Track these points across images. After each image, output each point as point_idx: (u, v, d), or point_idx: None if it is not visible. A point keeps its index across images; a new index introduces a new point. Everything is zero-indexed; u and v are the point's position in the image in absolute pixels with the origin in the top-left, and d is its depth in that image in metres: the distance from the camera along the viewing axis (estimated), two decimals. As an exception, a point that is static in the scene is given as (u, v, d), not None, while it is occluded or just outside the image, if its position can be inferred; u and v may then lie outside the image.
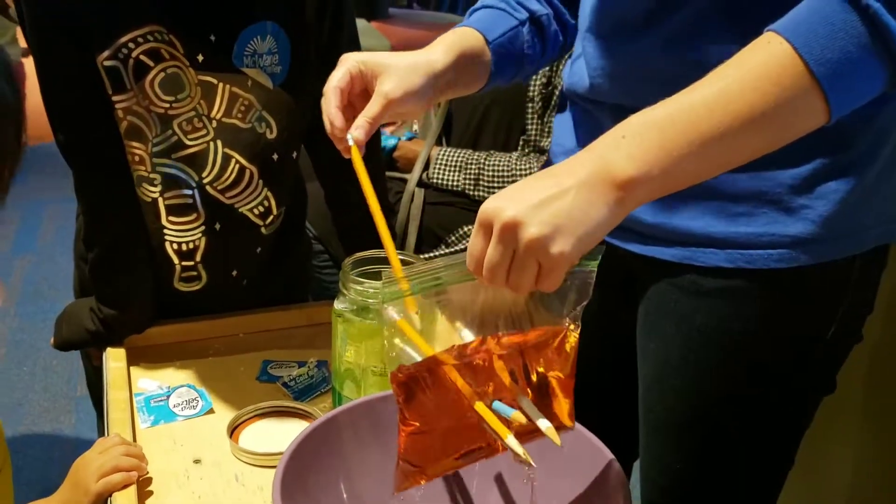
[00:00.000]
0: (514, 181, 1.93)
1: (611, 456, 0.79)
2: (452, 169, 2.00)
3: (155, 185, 1.14)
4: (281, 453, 0.78)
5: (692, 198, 0.84)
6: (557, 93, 1.92)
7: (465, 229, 1.98)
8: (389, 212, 1.38)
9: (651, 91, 0.83)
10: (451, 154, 2.02)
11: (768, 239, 0.82)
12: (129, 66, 1.07)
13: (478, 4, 1.02)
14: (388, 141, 2.12)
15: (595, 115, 0.93)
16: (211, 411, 1.10)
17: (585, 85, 0.92)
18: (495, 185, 1.96)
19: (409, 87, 0.87)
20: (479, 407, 0.72)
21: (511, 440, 0.71)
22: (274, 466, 0.78)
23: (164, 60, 1.08)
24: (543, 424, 0.72)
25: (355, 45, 1.23)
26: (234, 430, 1.04)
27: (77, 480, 0.92)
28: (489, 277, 0.71)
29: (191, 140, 1.13)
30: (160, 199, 1.15)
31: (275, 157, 1.18)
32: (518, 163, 1.95)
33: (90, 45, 1.05)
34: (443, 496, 0.88)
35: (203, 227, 1.17)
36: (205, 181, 1.15)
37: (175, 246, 1.18)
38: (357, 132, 0.86)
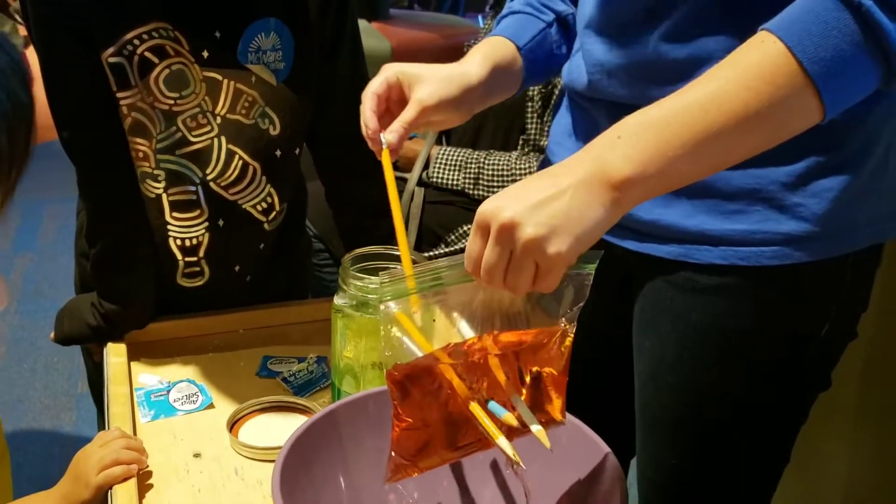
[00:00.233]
0: (513, 180, 1.94)
1: (607, 449, 0.79)
2: (452, 168, 2.01)
3: (159, 182, 1.14)
4: (280, 447, 0.78)
5: (686, 195, 0.84)
6: (557, 92, 1.92)
7: (465, 228, 1.98)
8: (389, 210, 1.39)
9: (648, 87, 0.83)
10: (451, 153, 2.03)
11: (762, 236, 0.83)
12: (134, 63, 1.07)
13: (504, 11, 1.04)
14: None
15: (591, 113, 0.94)
16: (211, 406, 1.10)
17: (583, 81, 0.93)
18: (495, 184, 1.97)
19: (443, 95, 0.89)
20: (474, 408, 0.73)
21: (502, 441, 0.72)
22: (273, 460, 0.78)
23: (169, 57, 1.08)
24: (535, 428, 0.73)
25: (357, 42, 1.23)
26: (233, 425, 1.05)
27: (78, 473, 0.92)
28: (487, 278, 0.71)
29: (195, 136, 1.13)
30: (164, 196, 1.15)
31: (278, 153, 1.19)
32: (518, 162, 1.96)
33: (95, 42, 1.06)
34: (439, 490, 0.88)
35: (206, 224, 1.18)
36: (208, 177, 1.15)
37: (178, 242, 1.18)
38: (391, 136, 0.88)
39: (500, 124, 2.06)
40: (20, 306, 2.87)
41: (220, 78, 1.12)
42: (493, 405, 0.73)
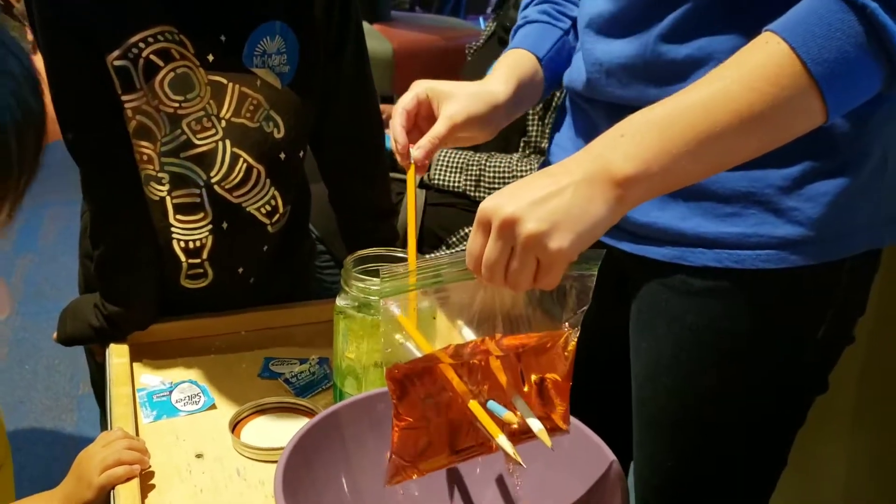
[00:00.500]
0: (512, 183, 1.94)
1: (612, 457, 0.79)
2: (453, 170, 2.01)
3: (163, 184, 1.15)
4: (282, 448, 0.79)
5: (683, 198, 0.85)
6: (558, 94, 1.93)
7: (466, 230, 1.99)
8: (392, 213, 1.40)
9: (647, 87, 0.84)
10: (452, 155, 2.03)
11: (756, 240, 0.83)
12: (139, 66, 1.07)
13: (521, 21, 1.05)
14: (390, 142, 2.13)
15: (590, 114, 0.95)
16: (213, 407, 1.11)
17: (583, 80, 0.93)
18: (496, 186, 1.97)
19: (471, 112, 0.90)
20: (473, 406, 0.73)
21: (502, 440, 0.72)
22: (275, 461, 0.79)
23: (175, 60, 1.09)
24: (535, 426, 0.73)
25: (361, 43, 1.24)
26: (235, 426, 1.06)
27: (80, 473, 0.93)
28: (488, 275, 0.72)
29: (200, 139, 1.14)
30: (168, 198, 1.16)
31: (282, 156, 1.19)
32: (519, 164, 1.96)
33: (99, 45, 1.06)
34: (441, 492, 0.89)
35: (210, 226, 1.19)
36: (213, 180, 1.16)
37: (182, 244, 1.19)
38: (418, 152, 0.89)
39: (500, 127, 2.06)
40: (21, 307, 2.88)
41: (225, 82, 1.12)
42: (492, 404, 0.73)
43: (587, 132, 0.94)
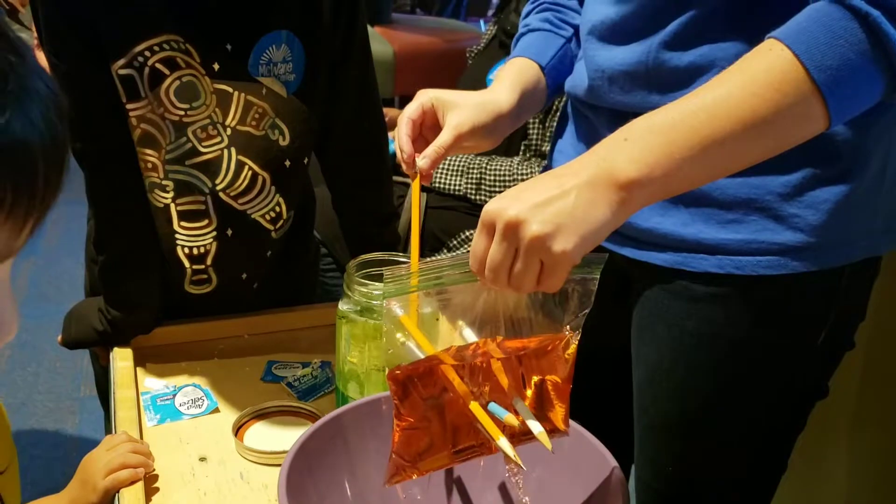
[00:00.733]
0: (515, 186, 1.94)
1: (614, 462, 0.79)
2: (454, 173, 2.02)
3: (167, 192, 1.15)
4: (286, 451, 0.79)
5: (684, 204, 0.85)
6: (558, 100, 1.93)
7: (467, 233, 1.99)
8: (395, 217, 1.40)
9: (649, 94, 0.84)
10: (453, 159, 2.03)
11: (758, 246, 0.83)
12: (145, 75, 1.08)
13: (523, 28, 1.06)
14: (393, 147, 2.14)
15: (592, 120, 0.95)
16: (216, 410, 1.12)
17: (584, 86, 0.94)
18: (497, 189, 1.97)
19: (476, 122, 0.91)
20: (474, 407, 0.74)
21: (503, 442, 0.72)
22: (278, 465, 0.79)
23: (180, 69, 1.09)
24: (536, 428, 0.73)
25: (366, 50, 1.24)
26: (238, 429, 1.06)
27: (86, 477, 0.93)
28: (492, 277, 0.72)
29: (205, 147, 1.14)
30: (172, 206, 1.16)
31: (287, 163, 1.20)
32: (519, 167, 1.97)
33: (105, 53, 1.06)
34: (441, 496, 0.89)
35: (215, 233, 1.19)
36: (218, 188, 1.16)
37: (186, 250, 1.19)
38: (423, 161, 0.90)
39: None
40: (24, 310, 2.86)
41: (230, 90, 1.12)
42: (493, 406, 0.73)
43: (589, 138, 0.95)
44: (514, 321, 0.77)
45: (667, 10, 0.83)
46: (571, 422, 0.79)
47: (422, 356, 0.75)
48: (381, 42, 3.47)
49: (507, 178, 1.97)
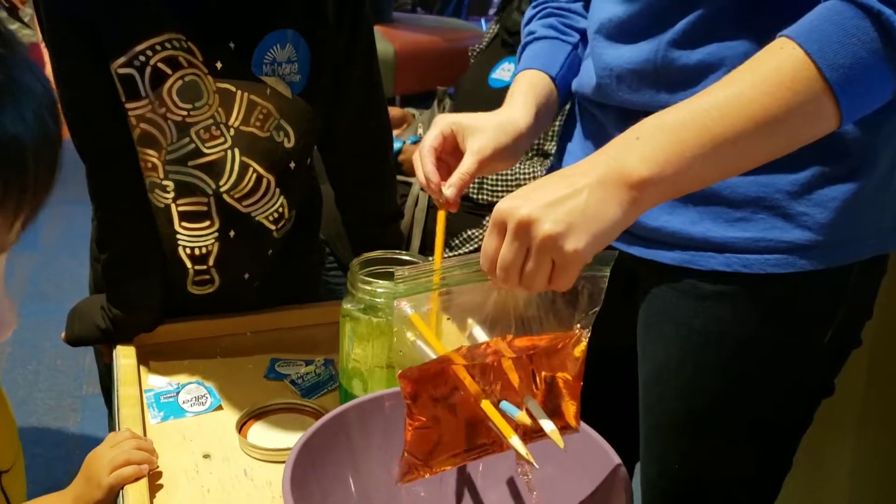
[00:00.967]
0: (517, 185, 1.95)
1: (617, 460, 0.79)
2: (456, 172, 2.01)
3: (167, 192, 1.15)
4: (289, 448, 0.79)
5: (692, 202, 0.85)
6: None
7: (469, 233, 1.99)
8: (399, 216, 1.40)
9: (658, 92, 0.84)
10: (455, 157, 2.03)
11: (766, 244, 0.83)
12: (146, 74, 1.07)
13: (528, 37, 1.04)
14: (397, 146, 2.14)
15: (600, 119, 0.95)
16: (220, 408, 1.11)
17: (592, 85, 0.93)
18: (499, 188, 1.98)
19: (497, 144, 0.90)
20: (486, 406, 0.74)
21: (515, 440, 0.72)
22: (282, 462, 0.79)
23: (182, 68, 1.08)
24: (548, 427, 0.73)
25: (371, 49, 1.23)
26: (242, 426, 1.06)
27: (90, 474, 0.93)
28: (503, 277, 0.72)
29: (208, 148, 1.13)
30: (173, 206, 1.15)
31: (292, 165, 1.19)
32: (522, 167, 1.97)
33: (105, 51, 1.06)
34: (447, 492, 0.89)
35: (217, 234, 1.18)
36: (222, 189, 1.15)
37: (188, 251, 1.19)
38: (450, 191, 0.89)
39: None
40: (24, 308, 2.88)
41: (233, 89, 1.11)
42: (504, 404, 0.73)
43: (597, 137, 0.95)
44: (525, 320, 0.77)
45: (674, 8, 0.83)
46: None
47: (432, 355, 0.75)
48: (382, 41, 3.47)
49: (509, 177, 1.97)
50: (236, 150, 1.14)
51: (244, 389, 1.15)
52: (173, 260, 1.20)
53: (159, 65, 1.07)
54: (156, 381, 1.16)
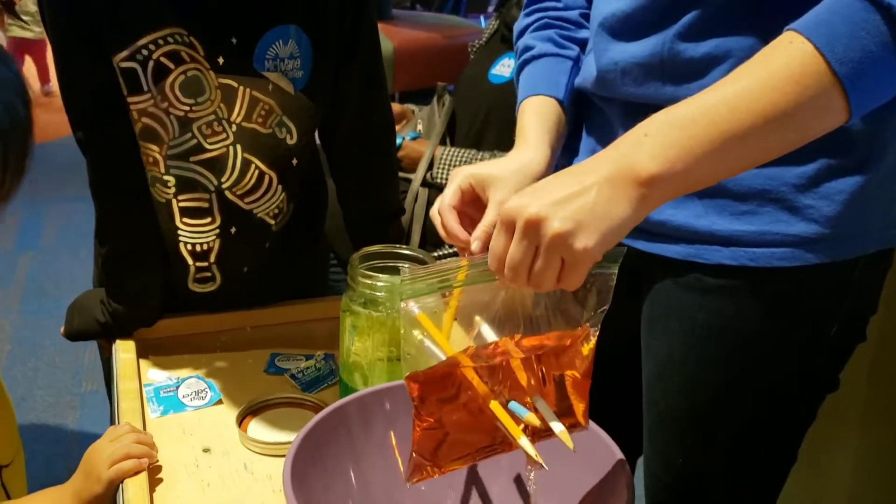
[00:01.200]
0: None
1: (620, 455, 0.79)
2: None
3: (169, 187, 1.14)
4: (289, 442, 0.79)
5: (698, 195, 0.85)
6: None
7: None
8: (401, 213, 1.39)
9: (663, 85, 0.83)
10: (455, 154, 2.03)
11: (772, 237, 0.83)
12: (149, 68, 1.07)
13: (526, 55, 1.02)
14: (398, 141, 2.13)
15: (605, 112, 0.94)
16: (219, 402, 1.11)
17: (593, 78, 0.93)
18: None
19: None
20: (494, 406, 0.73)
21: (524, 441, 0.71)
22: (282, 455, 0.79)
23: (185, 63, 1.08)
24: (557, 428, 0.72)
25: (375, 44, 1.23)
26: (242, 420, 1.06)
27: (90, 468, 0.93)
28: (511, 276, 0.71)
29: (210, 144, 1.13)
30: (174, 201, 1.15)
31: (294, 161, 1.19)
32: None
33: (107, 45, 1.06)
34: (448, 486, 0.89)
35: (218, 230, 1.18)
36: (224, 185, 1.15)
37: (189, 247, 1.18)
38: (476, 245, 0.85)
39: (503, 125, 2.06)
40: (23, 305, 2.88)
41: (235, 85, 1.11)
42: (513, 405, 0.73)
43: (601, 131, 0.94)
44: (533, 319, 0.76)
45: (680, 1, 0.83)
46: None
47: (441, 355, 0.74)
48: (381, 38, 3.47)
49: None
50: (238, 147, 1.14)
51: (244, 384, 1.14)
52: (175, 256, 1.19)
53: (162, 59, 1.07)
54: (155, 376, 1.16)
